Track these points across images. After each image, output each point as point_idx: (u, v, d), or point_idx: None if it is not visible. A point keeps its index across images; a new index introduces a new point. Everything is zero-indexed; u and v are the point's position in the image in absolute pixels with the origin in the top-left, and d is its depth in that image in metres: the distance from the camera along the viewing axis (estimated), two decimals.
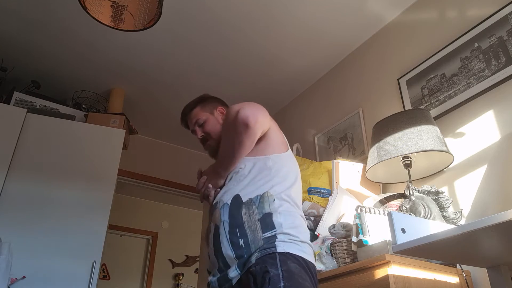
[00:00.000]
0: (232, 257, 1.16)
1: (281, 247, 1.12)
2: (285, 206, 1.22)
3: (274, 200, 1.22)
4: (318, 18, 2.58)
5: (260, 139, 1.33)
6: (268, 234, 1.14)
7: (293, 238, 1.16)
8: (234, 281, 1.14)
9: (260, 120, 1.25)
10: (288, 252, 1.11)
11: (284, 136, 1.44)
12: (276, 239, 1.13)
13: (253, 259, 1.11)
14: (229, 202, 1.25)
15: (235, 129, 1.26)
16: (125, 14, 1.93)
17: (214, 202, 1.32)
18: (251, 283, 1.07)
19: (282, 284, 1.03)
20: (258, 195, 1.23)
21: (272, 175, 1.28)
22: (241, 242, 1.16)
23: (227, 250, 1.17)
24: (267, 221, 1.17)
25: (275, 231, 1.15)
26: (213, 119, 1.55)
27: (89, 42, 2.83)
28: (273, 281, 1.03)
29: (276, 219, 1.18)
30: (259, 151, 1.35)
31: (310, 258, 1.17)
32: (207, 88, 3.26)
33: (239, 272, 1.13)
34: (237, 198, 1.24)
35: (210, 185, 1.36)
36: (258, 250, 1.12)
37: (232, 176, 1.32)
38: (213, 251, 1.22)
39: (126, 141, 2.99)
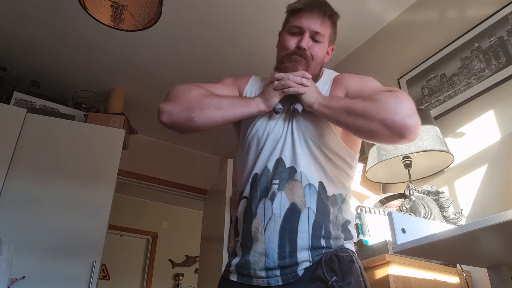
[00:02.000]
0: (306, 250, 1.00)
1: (349, 246, 1.07)
2: (352, 211, 1.14)
3: (349, 209, 1.12)
4: None
5: None
6: (345, 244, 1.06)
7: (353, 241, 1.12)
8: (300, 268, 0.99)
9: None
10: (355, 252, 1.07)
11: None
12: (346, 241, 1.07)
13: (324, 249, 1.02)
14: (316, 186, 1.05)
15: (393, 120, 0.95)
16: (125, 14, 1.93)
17: (291, 165, 1.07)
18: (335, 265, 0.96)
19: (362, 279, 0.99)
20: (340, 194, 1.10)
21: (351, 176, 1.16)
22: (322, 242, 1.02)
23: (304, 242, 1.00)
24: (347, 230, 1.08)
25: (352, 238, 1.09)
26: (324, 52, 1.23)
27: (89, 42, 2.83)
28: (356, 273, 0.98)
29: (352, 229, 1.10)
30: (352, 141, 1.15)
31: None
32: None
33: (310, 263, 1.00)
34: (323, 188, 1.06)
35: (305, 81, 1.07)
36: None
37: (321, 153, 1.09)
38: (279, 229, 1.01)
39: (126, 141, 2.99)
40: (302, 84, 1.09)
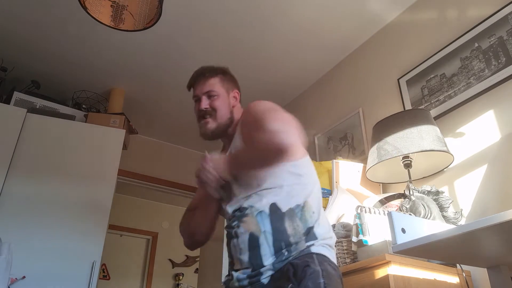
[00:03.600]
0: (271, 263, 1.11)
1: (316, 248, 1.12)
2: (322, 215, 1.21)
3: (314, 212, 1.19)
4: (318, 18, 2.58)
5: None
6: (309, 244, 1.13)
7: (327, 243, 1.17)
8: (265, 280, 1.10)
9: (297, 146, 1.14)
10: (323, 254, 1.12)
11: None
12: (312, 245, 1.13)
13: (291, 257, 1.11)
14: (266, 211, 1.16)
15: (268, 149, 1.11)
16: (125, 14, 1.93)
17: (239, 206, 1.21)
18: (290, 273, 1.04)
19: (322, 281, 1.02)
20: (298, 205, 1.18)
21: (304, 182, 1.23)
22: (285, 252, 1.12)
23: (268, 259, 1.11)
24: (310, 234, 1.15)
25: (317, 241, 1.14)
26: (226, 100, 1.38)
27: (89, 42, 2.83)
28: (313, 276, 1.03)
29: (317, 230, 1.16)
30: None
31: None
32: None
33: (273, 272, 1.10)
34: (275, 208, 1.17)
35: (214, 173, 1.20)
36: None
37: (255, 185, 1.21)
38: (248, 256, 1.14)
39: (126, 141, 2.99)
40: (208, 172, 1.20)
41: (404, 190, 1.74)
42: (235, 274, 1.14)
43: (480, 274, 1.56)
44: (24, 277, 2.24)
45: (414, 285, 1.39)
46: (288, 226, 1.14)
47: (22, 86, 3.04)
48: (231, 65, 2.98)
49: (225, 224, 1.29)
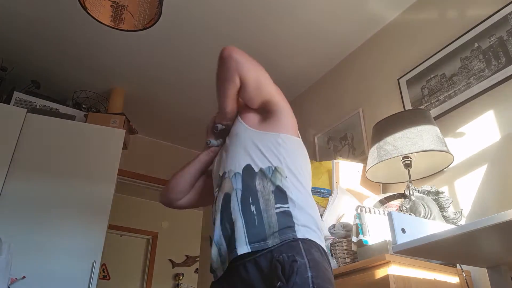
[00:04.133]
0: (241, 224, 1.07)
1: (301, 233, 1.06)
2: (297, 186, 1.16)
3: (287, 177, 1.15)
4: (317, 18, 2.58)
5: (269, 114, 1.30)
6: (281, 208, 1.09)
7: (310, 223, 1.10)
8: (238, 253, 1.05)
9: (241, 55, 1.35)
10: (309, 239, 1.06)
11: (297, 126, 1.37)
12: (295, 225, 1.07)
13: (270, 243, 1.04)
14: (240, 172, 1.19)
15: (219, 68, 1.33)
16: (125, 14, 1.93)
17: (222, 172, 1.25)
18: (279, 271, 0.99)
19: (309, 274, 0.99)
20: (269, 166, 1.17)
21: (281, 152, 1.22)
22: (252, 208, 1.09)
23: (236, 214, 1.10)
24: (280, 195, 1.11)
25: (288, 206, 1.10)
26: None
27: (89, 42, 2.83)
28: (300, 270, 0.98)
29: (290, 195, 1.12)
30: (268, 126, 1.30)
31: (324, 246, 1.13)
32: (207, 88, 3.26)
33: (249, 249, 1.04)
34: (248, 168, 1.19)
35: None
36: (276, 233, 1.05)
37: (235, 149, 1.27)
38: (220, 217, 1.14)
39: (126, 141, 2.99)
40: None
41: (404, 190, 1.74)
42: (214, 248, 1.12)
43: (480, 274, 1.56)
44: (24, 277, 2.24)
45: (414, 285, 1.39)
46: (258, 183, 1.14)
47: (22, 86, 3.04)
48: None
49: None
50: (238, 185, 1.16)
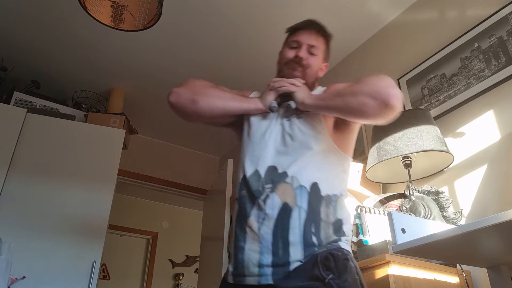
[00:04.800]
0: (299, 248, 1.04)
1: (344, 245, 1.10)
2: (348, 215, 1.18)
3: (343, 207, 1.16)
4: (317, 18, 2.57)
5: (345, 126, 1.21)
6: (336, 238, 1.10)
7: (349, 240, 1.15)
8: (292, 267, 1.03)
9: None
10: (350, 252, 1.11)
11: None
12: (340, 241, 1.10)
13: (320, 249, 1.05)
14: (307, 188, 1.11)
15: (375, 93, 1.08)
16: (125, 14, 1.93)
17: (282, 170, 1.13)
18: (331, 263, 1.00)
19: (357, 277, 1.03)
20: (335, 194, 1.15)
21: (345, 178, 1.22)
22: (313, 239, 1.06)
23: (296, 239, 1.05)
24: (338, 227, 1.11)
25: (341, 239, 1.11)
26: (318, 65, 1.34)
27: (89, 42, 2.83)
28: (351, 271, 1.02)
29: (345, 228, 1.14)
30: (344, 145, 1.24)
31: None
32: None
33: (301, 262, 1.03)
34: (316, 188, 1.12)
35: (296, 84, 1.20)
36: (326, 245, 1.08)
37: (309, 154, 1.15)
38: (273, 227, 1.06)
39: (126, 141, 2.99)
40: (294, 84, 1.22)
41: (404, 190, 1.74)
42: (252, 255, 1.06)
43: (480, 274, 1.56)
44: (24, 277, 2.24)
45: (414, 285, 1.39)
46: (323, 211, 1.10)
47: (22, 86, 3.04)
48: (229, 64, 3.00)
49: (241, 175, 1.19)
50: (303, 203, 1.09)
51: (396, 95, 1.09)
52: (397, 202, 1.85)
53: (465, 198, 1.78)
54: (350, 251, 1.11)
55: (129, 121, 3.17)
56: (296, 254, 1.04)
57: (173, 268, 5.44)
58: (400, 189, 1.98)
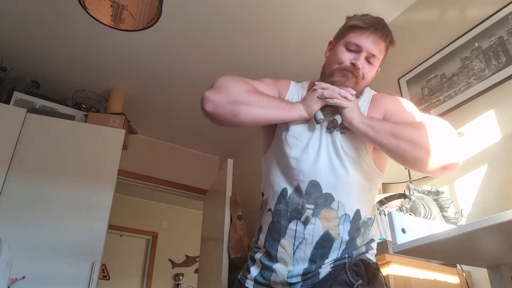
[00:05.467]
0: (329, 266, 1.05)
1: (371, 257, 1.12)
2: (376, 233, 1.23)
3: (374, 227, 1.21)
4: (317, 18, 2.58)
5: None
6: (364, 251, 1.12)
7: (374, 253, 1.18)
8: (321, 277, 1.04)
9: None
10: (373, 261, 1.13)
11: None
12: (367, 253, 1.13)
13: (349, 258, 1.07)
14: (350, 216, 1.08)
15: (446, 141, 1.01)
16: (125, 14, 1.93)
17: (327, 193, 1.07)
18: (362, 270, 1.00)
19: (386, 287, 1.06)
20: (371, 217, 1.15)
21: (376, 198, 1.25)
22: (346, 255, 1.07)
23: (330, 262, 1.05)
24: (368, 245, 1.15)
25: (370, 250, 1.14)
26: (374, 72, 1.24)
27: (89, 42, 2.83)
28: (380, 281, 1.03)
29: (373, 244, 1.17)
30: (381, 163, 1.16)
31: None
32: (207, 88, 3.25)
33: (331, 269, 1.05)
34: (358, 215, 1.10)
35: (348, 102, 1.07)
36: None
37: (359, 177, 1.10)
38: (311, 253, 1.04)
39: (126, 141, 2.99)
40: (346, 98, 1.10)
41: (404, 190, 1.74)
42: (282, 268, 1.05)
43: (480, 274, 1.56)
44: (24, 277, 2.24)
45: (414, 285, 1.39)
46: (359, 238, 1.10)
47: (22, 86, 3.04)
48: (228, 65, 3.00)
49: (281, 185, 1.12)
50: (345, 234, 1.07)
51: (459, 159, 1.00)
52: (397, 202, 1.85)
53: (465, 198, 1.78)
54: (374, 260, 1.13)
55: (129, 121, 3.17)
56: (326, 269, 1.04)
57: (173, 268, 5.44)
58: (400, 189, 1.97)
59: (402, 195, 1.84)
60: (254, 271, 1.10)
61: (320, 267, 1.04)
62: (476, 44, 1.95)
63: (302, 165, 1.10)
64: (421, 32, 2.32)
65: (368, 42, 1.16)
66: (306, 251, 1.04)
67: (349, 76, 1.15)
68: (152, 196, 5.21)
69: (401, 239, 1.09)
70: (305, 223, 1.05)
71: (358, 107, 1.12)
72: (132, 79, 3.22)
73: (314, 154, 1.11)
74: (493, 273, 1.19)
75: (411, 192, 1.65)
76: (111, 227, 3.93)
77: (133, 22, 1.94)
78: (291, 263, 1.04)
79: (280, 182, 1.12)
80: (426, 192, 1.66)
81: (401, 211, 1.65)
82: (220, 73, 3.39)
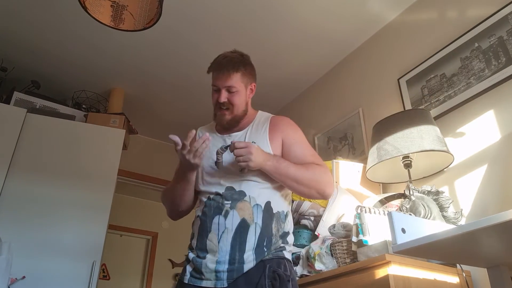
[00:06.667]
0: (251, 255, 1.25)
1: (287, 254, 1.33)
2: (292, 228, 1.40)
3: (289, 221, 1.39)
4: (317, 18, 2.58)
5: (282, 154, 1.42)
6: (281, 246, 1.32)
7: (291, 250, 1.38)
8: (245, 270, 1.24)
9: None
10: (290, 260, 1.33)
11: None
12: (284, 249, 1.33)
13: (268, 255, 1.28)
14: (262, 206, 1.31)
15: (323, 183, 1.35)
16: (125, 14, 1.93)
17: (240, 191, 1.32)
18: (277, 283, 1.21)
19: None
20: (283, 211, 1.37)
21: (287, 193, 1.43)
22: (265, 249, 1.27)
23: (250, 249, 1.25)
24: (284, 238, 1.34)
25: (288, 245, 1.34)
26: (244, 94, 1.47)
27: (89, 42, 2.83)
28: (294, 283, 1.27)
29: (289, 238, 1.36)
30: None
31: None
32: (207, 88, 3.25)
33: (254, 264, 1.24)
34: (269, 206, 1.33)
35: (247, 159, 1.26)
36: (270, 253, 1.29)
37: (266, 180, 1.35)
38: (231, 239, 1.25)
39: (126, 141, 2.99)
40: (247, 159, 1.26)
41: (404, 190, 1.74)
42: (210, 257, 1.25)
43: (480, 274, 1.56)
44: (24, 277, 2.24)
45: (414, 285, 1.39)
46: (274, 227, 1.31)
47: (22, 86, 3.04)
48: None
49: (205, 196, 1.38)
50: (259, 220, 1.29)
51: (333, 189, 1.42)
52: (397, 202, 1.85)
53: (465, 198, 1.78)
54: (290, 258, 1.34)
55: (129, 121, 3.17)
56: (248, 257, 1.24)
57: (173, 268, 5.43)
58: (400, 189, 1.98)
59: (402, 195, 1.85)
60: (189, 267, 1.30)
61: (242, 258, 1.23)
62: (476, 44, 1.95)
63: (217, 179, 1.40)
64: (421, 32, 2.32)
65: (220, 81, 1.45)
66: (228, 238, 1.25)
67: (221, 112, 1.45)
68: (152, 196, 5.21)
69: (401, 239, 1.09)
70: (225, 216, 1.29)
71: (260, 151, 1.30)
72: (132, 79, 3.22)
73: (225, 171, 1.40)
74: (493, 273, 1.19)
75: (411, 192, 1.65)
76: (111, 227, 3.93)
77: (133, 22, 1.94)
78: (215, 252, 1.25)
79: (204, 194, 1.41)
80: (426, 192, 1.66)
81: (401, 211, 1.65)
82: None
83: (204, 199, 1.37)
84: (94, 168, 2.71)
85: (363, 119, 2.57)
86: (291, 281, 1.25)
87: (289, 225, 1.38)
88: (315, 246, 1.76)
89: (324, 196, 1.37)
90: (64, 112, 2.97)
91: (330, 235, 1.79)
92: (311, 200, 2.07)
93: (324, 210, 1.97)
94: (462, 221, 1.68)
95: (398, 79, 2.34)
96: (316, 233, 1.89)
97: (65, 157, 2.68)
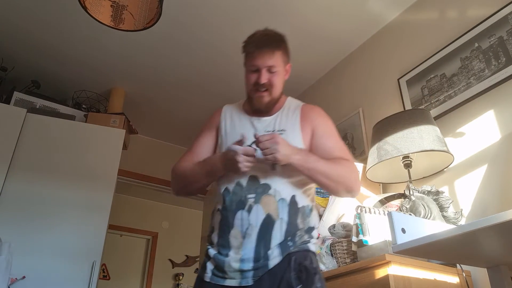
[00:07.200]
0: (276, 251, 1.18)
1: (312, 247, 1.26)
2: (317, 222, 1.34)
3: (314, 216, 1.32)
4: (317, 18, 2.58)
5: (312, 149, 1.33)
6: (308, 240, 1.26)
7: (316, 242, 1.31)
8: (271, 266, 1.17)
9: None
10: (315, 252, 1.27)
11: None
12: (309, 242, 1.26)
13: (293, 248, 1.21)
14: (287, 200, 1.24)
15: (350, 179, 1.28)
16: (125, 14, 1.93)
17: (265, 184, 1.23)
18: (303, 275, 1.14)
19: (319, 285, 1.17)
20: (308, 205, 1.30)
21: (311, 186, 1.34)
22: (290, 244, 1.20)
23: (275, 245, 1.19)
24: (309, 232, 1.27)
25: (313, 239, 1.28)
26: (283, 75, 1.39)
27: (89, 42, 2.83)
28: (317, 283, 1.17)
29: (314, 233, 1.29)
30: None
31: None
32: (207, 88, 3.26)
33: (279, 260, 1.18)
34: (294, 201, 1.25)
35: (273, 151, 1.16)
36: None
37: (292, 173, 1.25)
38: (256, 236, 1.18)
39: (126, 141, 2.99)
40: (274, 151, 1.17)
41: (404, 190, 1.74)
42: (234, 255, 1.18)
43: (480, 274, 1.56)
44: (24, 277, 2.24)
45: (414, 285, 1.39)
46: (300, 222, 1.24)
47: (22, 86, 3.04)
48: (228, 65, 3.00)
49: (223, 187, 1.28)
50: (284, 215, 1.22)
51: (359, 186, 1.33)
52: (397, 202, 1.85)
53: (465, 198, 1.78)
54: (316, 251, 1.27)
55: (129, 121, 3.17)
56: (275, 253, 1.17)
57: (173, 268, 5.44)
58: (400, 189, 1.98)
59: (402, 195, 1.85)
60: (210, 265, 1.22)
61: (267, 255, 1.17)
62: (476, 44, 1.95)
63: None
64: (421, 32, 2.32)
65: (261, 60, 1.33)
66: (253, 234, 1.18)
67: (259, 93, 1.34)
68: (152, 196, 5.21)
69: (401, 239, 1.09)
70: (249, 211, 1.21)
71: (287, 144, 1.21)
72: (132, 79, 3.22)
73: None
74: (493, 273, 1.19)
75: (411, 192, 1.65)
76: (111, 227, 3.92)
77: (133, 22, 1.94)
78: (240, 249, 1.18)
79: (223, 184, 1.30)
80: (426, 192, 1.66)
81: (401, 211, 1.65)
82: (220, 73, 3.40)
83: (222, 189, 1.28)
84: (94, 168, 2.71)
85: (363, 119, 2.57)
86: (317, 273, 1.18)
87: (314, 220, 1.30)
88: (315, 246, 1.76)
89: (351, 193, 1.28)
90: (64, 112, 2.97)
91: (330, 235, 1.79)
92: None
93: (324, 210, 1.97)
94: (462, 221, 1.68)
95: (398, 79, 2.34)
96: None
97: (65, 157, 2.68)
